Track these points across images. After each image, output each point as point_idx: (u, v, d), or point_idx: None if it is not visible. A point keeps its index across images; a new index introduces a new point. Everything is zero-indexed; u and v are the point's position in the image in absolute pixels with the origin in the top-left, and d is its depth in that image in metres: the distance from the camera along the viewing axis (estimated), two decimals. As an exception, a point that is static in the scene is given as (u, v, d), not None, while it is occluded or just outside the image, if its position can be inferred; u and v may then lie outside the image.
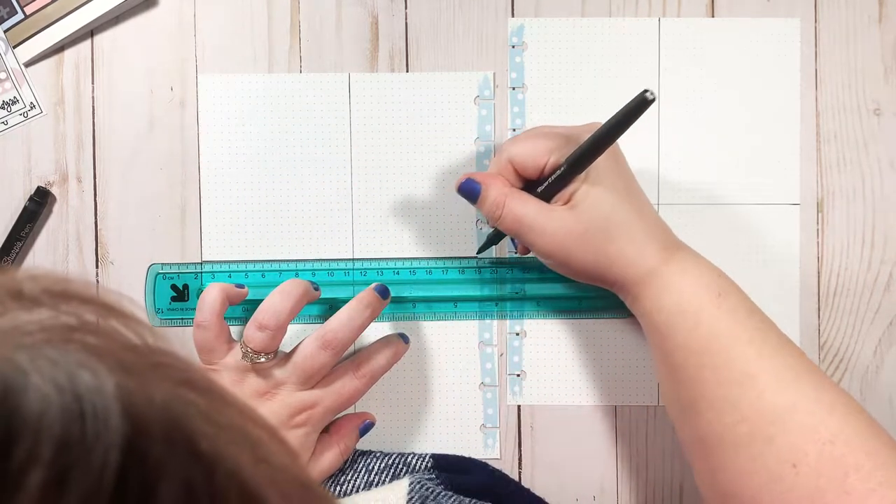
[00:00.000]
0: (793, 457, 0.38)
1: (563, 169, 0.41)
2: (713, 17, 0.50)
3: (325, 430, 0.48)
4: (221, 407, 0.19)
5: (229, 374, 0.44)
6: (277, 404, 0.44)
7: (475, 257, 0.50)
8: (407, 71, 0.51)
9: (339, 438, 0.47)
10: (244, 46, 0.51)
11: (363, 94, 0.50)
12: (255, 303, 0.45)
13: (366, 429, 0.49)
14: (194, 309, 0.50)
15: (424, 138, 0.50)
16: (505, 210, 0.42)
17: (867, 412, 0.40)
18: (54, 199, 0.51)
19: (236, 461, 0.18)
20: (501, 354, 0.51)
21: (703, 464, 0.41)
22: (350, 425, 0.48)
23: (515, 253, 0.49)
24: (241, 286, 0.47)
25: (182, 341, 0.51)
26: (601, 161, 0.41)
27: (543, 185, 0.43)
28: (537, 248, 0.43)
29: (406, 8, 0.51)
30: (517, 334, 0.51)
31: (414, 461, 0.49)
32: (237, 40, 0.51)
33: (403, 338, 0.50)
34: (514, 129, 0.50)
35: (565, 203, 0.42)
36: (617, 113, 0.39)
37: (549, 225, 0.42)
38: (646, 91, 0.37)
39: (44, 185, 0.51)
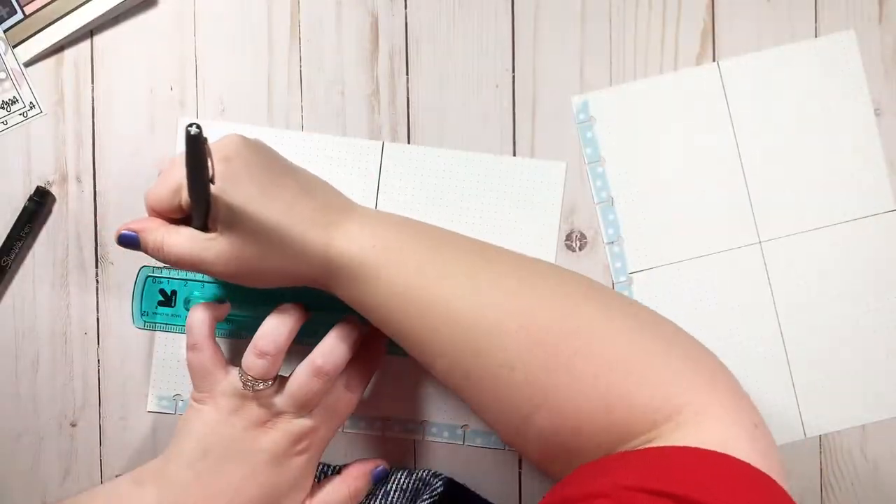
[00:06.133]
0: (501, 360, 0.38)
1: (192, 205, 0.40)
2: (713, 18, 0.51)
3: (337, 472, 0.48)
4: None
5: (227, 402, 0.44)
6: (279, 433, 0.44)
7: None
8: (407, 73, 0.51)
9: (352, 481, 0.47)
10: (244, 46, 0.51)
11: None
12: (238, 317, 0.45)
13: (378, 476, 0.49)
14: (180, 315, 0.50)
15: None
16: (165, 252, 0.42)
17: (563, 271, 0.40)
18: (54, 199, 0.51)
19: None
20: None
21: (469, 404, 0.42)
22: (363, 469, 0.48)
23: None
24: (222, 301, 0.47)
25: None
26: (231, 173, 0.39)
27: (193, 219, 0.42)
28: (213, 276, 0.42)
29: (406, 8, 0.51)
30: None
31: (427, 478, 0.49)
32: (237, 40, 0.51)
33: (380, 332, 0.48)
34: (600, 202, 0.51)
35: (216, 230, 0.41)
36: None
37: (210, 256, 0.41)
38: (188, 126, 0.35)
39: (43, 185, 0.51)
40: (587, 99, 0.51)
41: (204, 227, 0.41)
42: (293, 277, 0.42)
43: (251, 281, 0.42)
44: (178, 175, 0.41)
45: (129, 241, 0.43)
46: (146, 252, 0.43)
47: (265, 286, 0.43)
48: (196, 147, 0.35)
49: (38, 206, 0.50)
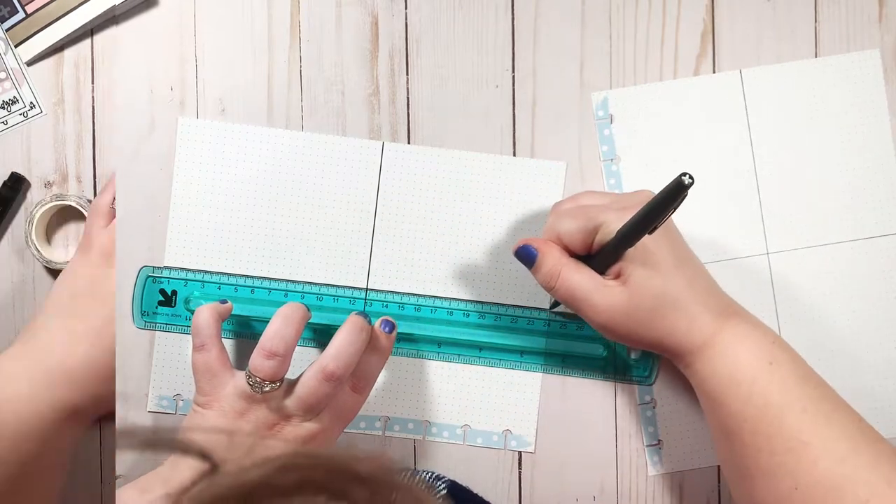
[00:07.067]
0: None
1: (610, 247, 0.42)
2: (713, 18, 0.51)
3: None
4: None
5: (233, 406, 0.43)
6: (289, 437, 0.43)
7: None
8: (407, 73, 0.51)
9: None
10: (244, 46, 0.51)
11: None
12: (239, 318, 0.45)
13: None
14: (180, 315, 0.50)
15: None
16: (559, 282, 0.43)
17: None
18: (28, 184, 0.51)
19: None
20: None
21: None
22: None
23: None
24: (224, 301, 0.47)
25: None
26: (650, 236, 0.41)
27: (595, 259, 0.43)
28: (589, 320, 0.44)
29: (406, 8, 0.51)
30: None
31: (430, 480, 0.49)
32: (237, 40, 0.51)
33: (386, 326, 0.47)
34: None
35: (616, 277, 0.43)
36: (655, 196, 0.38)
37: (602, 301, 0.43)
38: (683, 175, 0.35)
39: (18, 172, 0.50)
40: (607, 96, 0.51)
41: (601, 269, 0.43)
42: (665, 345, 0.43)
43: (620, 335, 0.43)
44: (602, 217, 0.42)
45: (527, 256, 0.44)
46: (536, 272, 0.45)
47: (623, 343, 0.44)
48: (678, 197, 0.36)
49: (13, 192, 0.50)
